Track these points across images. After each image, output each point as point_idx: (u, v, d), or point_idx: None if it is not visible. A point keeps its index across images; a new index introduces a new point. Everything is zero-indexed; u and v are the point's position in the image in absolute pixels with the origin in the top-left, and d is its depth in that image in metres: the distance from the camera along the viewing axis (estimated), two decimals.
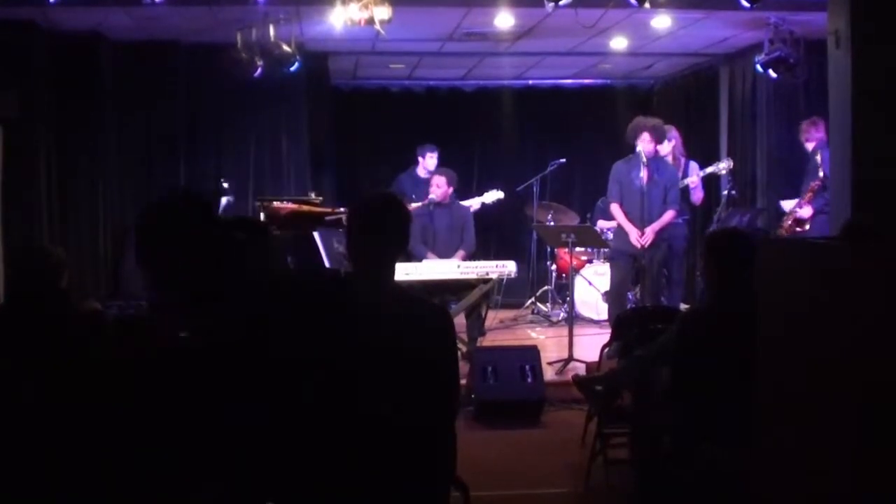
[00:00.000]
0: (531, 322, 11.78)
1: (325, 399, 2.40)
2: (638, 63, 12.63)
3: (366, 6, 8.19)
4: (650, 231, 9.11)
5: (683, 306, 9.48)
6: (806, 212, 9.30)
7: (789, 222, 9.46)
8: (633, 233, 9.18)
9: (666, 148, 10.13)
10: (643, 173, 9.13)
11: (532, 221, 11.97)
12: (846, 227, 5.49)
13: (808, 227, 9.30)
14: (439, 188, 9.99)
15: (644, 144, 9.25)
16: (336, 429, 2.40)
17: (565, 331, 9.31)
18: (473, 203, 11.17)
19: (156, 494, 3.79)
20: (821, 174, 9.15)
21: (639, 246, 9.13)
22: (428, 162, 11.33)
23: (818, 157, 9.38)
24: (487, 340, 9.77)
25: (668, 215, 9.28)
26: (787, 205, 9.65)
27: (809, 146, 9.46)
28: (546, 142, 13.88)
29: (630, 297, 10.17)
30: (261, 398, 2.41)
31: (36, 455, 3.87)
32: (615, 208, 9.45)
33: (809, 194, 9.29)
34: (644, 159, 9.14)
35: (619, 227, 9.55)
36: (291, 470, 2.40)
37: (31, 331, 4.46)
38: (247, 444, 2.42)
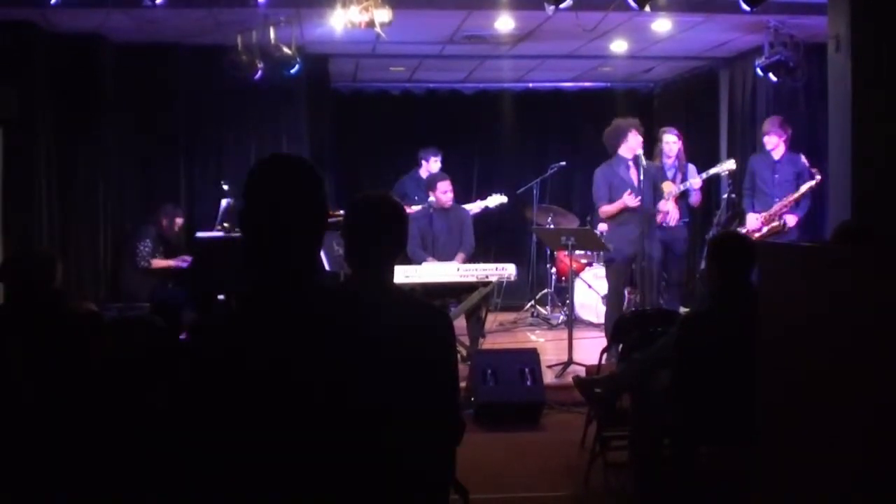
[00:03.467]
0: (531, 325, 11.78)
1: (322, 401, 2.39)
2: (638, 66, 12.64)
3: (366, 9, 8.20)
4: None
5: (683, 309, 9.46)
6: (793, 219, 9.34)
7: (764, 230, 9.48)
8: (630, 199, 9.18)
9: (674, 148, 10.18)
10: (633, 173, 9.17)
11: (532, 224, 11.97)
12: (842, 229, 5.50)
13: (787, 230, 9.36)
14: (447, 193, 9.94)
15: (634, 139, 9.26)
16: (333, 431, 2.39)
17: (565, 334, 9.31)
18: (475, 207, 11.16)
19: (150, 492, 3.80)
20: (818, 177, 9.18)
21: (635, 203, 9.13)
22: (432, 165, 11.29)
23: (804, 160, 9.43)
24: (487, 343, 9.77)
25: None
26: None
27: (782, 150, 9.51)
28: (546, 144, 13.91)
29: (627, 297, 10.17)
30: (254, 402, 2.40)
31: (33, 452, 3.87)
32: (606, 207, 9.43)
33: (791, 202, 9.35)
34: (634, 161, 9.18)
35: (615, 230, 9.50)
36: (286, 472, 2.39)
37: (27, 332, 4.47)
38: (244, 446, 2.41)
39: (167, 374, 4.16)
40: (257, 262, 2.52)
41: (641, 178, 9.14)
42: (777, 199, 9.46)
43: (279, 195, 2.52)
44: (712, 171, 10.55)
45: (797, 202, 9.36)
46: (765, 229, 9.47)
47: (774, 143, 9.53)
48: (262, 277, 2.51)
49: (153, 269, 9.95)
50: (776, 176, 9.54)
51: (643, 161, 9.20)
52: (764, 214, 9.53)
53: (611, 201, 9.37)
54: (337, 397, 2.38)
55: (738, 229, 9.59)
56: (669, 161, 10.20)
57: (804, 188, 9.30)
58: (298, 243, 2.52)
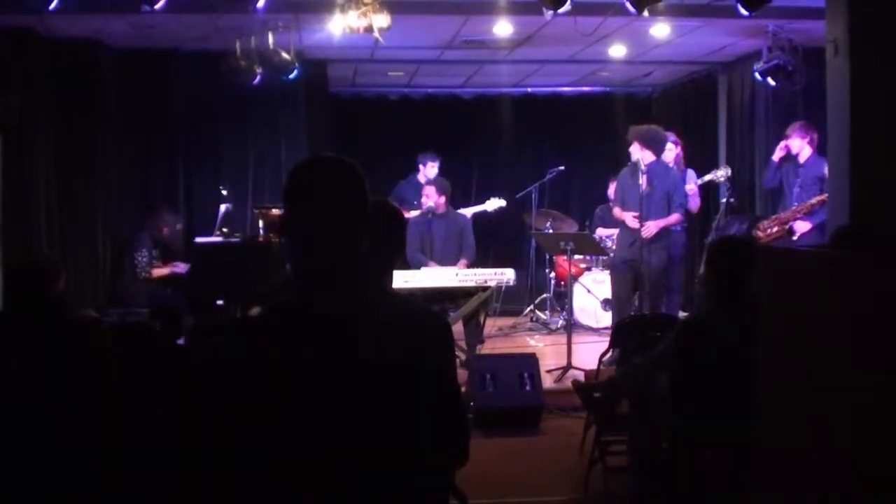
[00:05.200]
0: (530, 330, 11.77)
1: (320, 410, 2.39)
2: (637, 71, 12.65)
3: (365, 14, 8.19)
4: (653, 225, 9.14)
5: (682, 314, 9.47)
6: (804, 226, 9.25)
7: (775, 229, 9.42)
8: (628, 217, 9.22)
9: (670, 155, 10.18)
10: (642, 181, 9.15)
11: (531, 229, 11.98)
12: (839, 233, 5.51)
13: (795, 238, 9.26)
14: (429, 197, 10.06)
15: (634, 153, 9.31)
16: (332, 440, 2.39)
17: (564, 338, 9.31)
18: (468, 212, 11.18)
19: (149, 495, 3.79)
20: None
21: (636, 226, 9.14)
22: (429, 171, 11.33)
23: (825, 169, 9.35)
24: (486, 348, 9.77)
25: (674, 217, 9.34)
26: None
27: (808, 152, 9.40)
28: (545, 149, 13.90)
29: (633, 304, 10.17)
30: (252, 410, 2.40)
31: (34, 457, 3.87)
32: (616, 210, 9.54)
33: (809, 207, 9.25)
34: (643, 167, 9.16)
35: (620, 234, 9.56)
36: (285, 486, 2.39)
37: (29, 337, 4.46)
38: (239, 454, 2.41)
39: (172, 379, 4.17)
40: (300, 265, 2.52)
41: (647, 186, 9.16)
42: (795, 203, 9.41)
43: (321, 197, 2.52)
44: (707, 177, 10.57)
45: (813, 209, 9.21)
46: (775, 229, 9.42)
47: (798, 147, 9.44)
48: (304, 280, 2.52)
49: (154, 278, 9.96)
50: (798, 179, 9.48)
51: (666, 168, 9.26)
52: (778, 216, 9.51)
53: (622, 204, 9.47)
54: (353, 401, 2.39)
55: (755, 231, 9.57)
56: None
57: (814, 200, 9.16)
58: (342, 244, 2.52)
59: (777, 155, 9.66)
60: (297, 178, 2.55)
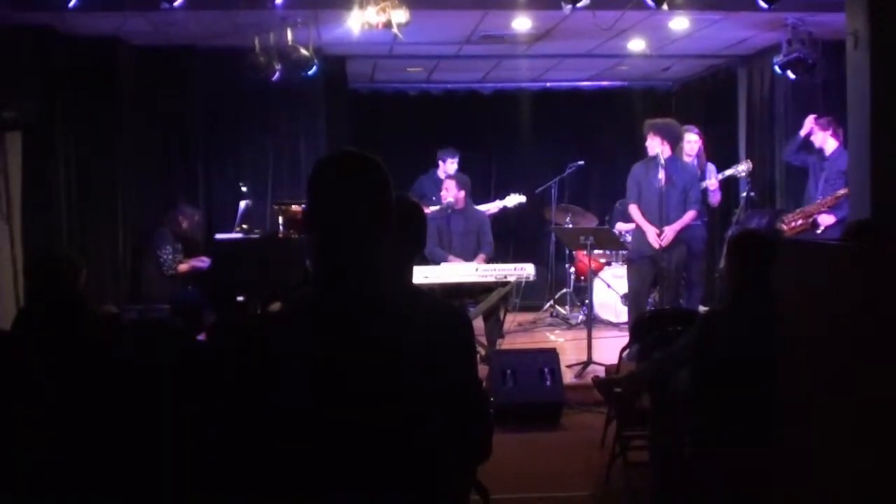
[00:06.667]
0: (550, 325, 11.77)
1: (341, 406, 2.39)
2: (656, 65, 12.60)
3: (383, 10, 8.20)
4: (670, 231, 9.09)
5: (702, 308, 9.44)
6: (828, 219, 9.18)
7: (799, 222, 9.37)
8: (651, 232, 9.17)
9: (693, 147, 10.15)
10: (661, 175, 9.10)
11: (550, 224, 11.97)
12: (854, 227, 5.49)
13: (819, 231, 9.20)
14: (448, 191, 10.08)
15: (653, 146, 9.26)
16: (353, 436, 2.39)
17: (584, 333, 9.30)
18: (492, 207, 11.19)
19: (168, 493, 3.81)
20: None
21: (657, 246, 9.11)
22: (449, 167, 11.32)
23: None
24: (506, 343, 9.77)
25: (689, 215, 9.26)
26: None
27: (833, 144, 9.36)
28: (564, 144, 13.87)
29: (650, 299, 10.13)
30: (272, 406, 2.40)
31: (54, 453, 3.89)
32: (633, 209, 9.45)
33: (833, 200, 9.18)
34: (662, 161, 9.12)
35: (638, 229, 9.52)
36: (303, 480, 2.39)
37: (49, 334, 4.49)
38: (258, 451, 2.42)
39: (192, 376, 4.18)
40: (321, 261, 2.53)
41: (666, 181, 9.11)
42: (819, 197, 9.36)
43: (344, 192, 2.51)
44: (728, 172, 10.54)
45: (838, 201, 9.13)
46: (799, 222, 9.37)
47: (821, 140, 9.42)
48: (325, 276, 2.52)
49: (179, 273, 9.99)
50: (823, 173, 9.43)
51: (684, 163, 9.21)
52: (803, 209, 9.47)
53: (639, 200, 9.39)
54: (373, 398, 2.39)
55: (779, 223, 9.52)
56: (689, 160, 10.16)
57: (840, 192, 9.08)
58: (364, 240, 2.52)
59: (804, 130, 9.61)
60: (320, 174, 2.55)
